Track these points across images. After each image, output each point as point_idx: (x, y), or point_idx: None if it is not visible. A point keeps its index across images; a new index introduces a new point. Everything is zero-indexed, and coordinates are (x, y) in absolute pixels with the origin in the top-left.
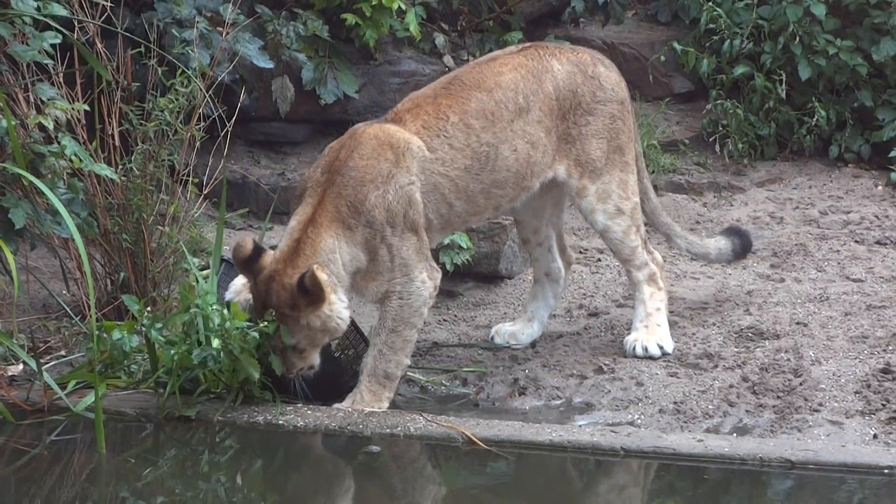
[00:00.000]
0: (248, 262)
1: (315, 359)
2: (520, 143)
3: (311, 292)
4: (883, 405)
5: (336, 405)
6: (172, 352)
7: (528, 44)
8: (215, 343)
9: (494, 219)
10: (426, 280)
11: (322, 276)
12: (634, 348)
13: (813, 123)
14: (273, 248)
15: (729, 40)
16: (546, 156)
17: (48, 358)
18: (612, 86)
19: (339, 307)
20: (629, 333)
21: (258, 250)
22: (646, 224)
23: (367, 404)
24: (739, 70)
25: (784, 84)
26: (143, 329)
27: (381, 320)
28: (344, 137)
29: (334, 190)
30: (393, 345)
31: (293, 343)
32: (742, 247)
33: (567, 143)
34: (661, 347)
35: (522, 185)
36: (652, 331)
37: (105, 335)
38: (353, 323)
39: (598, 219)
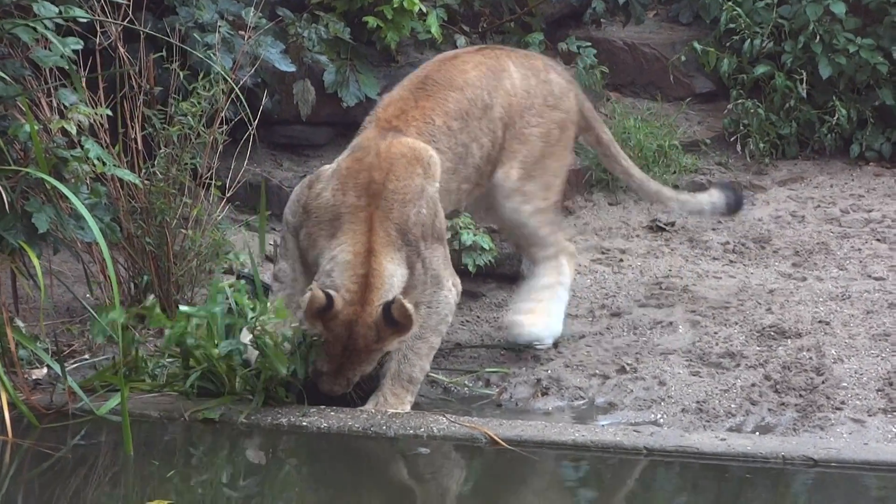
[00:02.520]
0: (323, 312)
1: None
2: (485, 140)
3: (400, 323)
4: None
5: (360, 407)
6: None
7: (482, 45)
8: (245, 337)
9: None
10: (452, 288)
11: (409, 306)
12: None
13: (834, 122)
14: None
15: (749, 40)
16: (500, 153)
17: (72, 362)
18: (562, 93)
19: None
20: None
21: (330, 299)
22: (636, 198)
23: (390, 406)
24: (760, 69)
25: (805, 83)
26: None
27: None
28: (366, 156)
29: (380, 214)
30: (419, 351)
31: (370, 370)
32: (735, 200)
33: (519, 142)
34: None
35: (480, 182)
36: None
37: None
38: None
39: (516, 216)
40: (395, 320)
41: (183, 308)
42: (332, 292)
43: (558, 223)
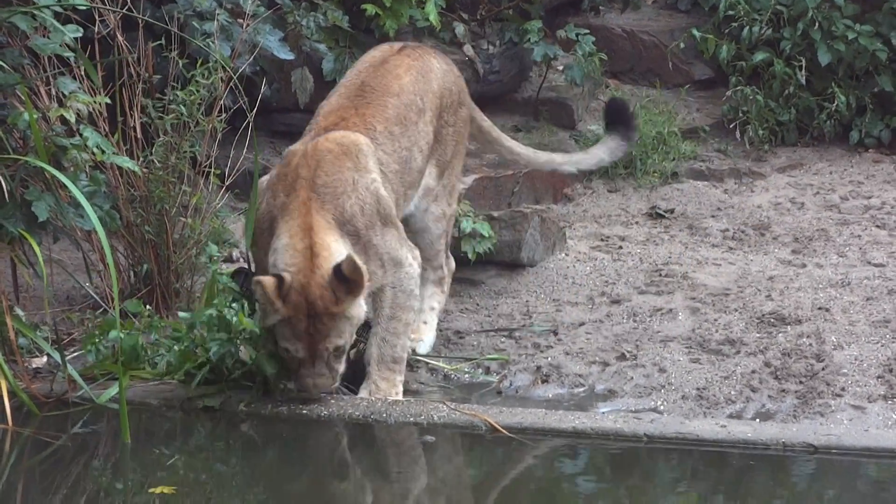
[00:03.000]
0: (278, 290)
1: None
2: (423, 144)
3: (350, 279)
4: None
5: (358, 395)
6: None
7: (400, 43)
8: (247, 353)
9: None
10: (413, 262)
11: (360, 262)
12: None
13: (833, 109)
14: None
15: (748, 27)
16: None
17: (72, 350)
18: (463, 87)
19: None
20: None
21: (279, 277)
22: (532, 173)
23: (384, 392)
24: (759, 56)
25: (804, 70)
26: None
27: (378, 310)
28: (293, 158)
29: (316, 204)
30: (395, 330)
31: (343, 344)
32: (627, 130)
33: (437, 142)
34: (413, 350)
35: (419, 183)
36: (416, 328)
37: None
38: None
39: (425, 218)
40: (346, 277)
41: (183, 314)
42: (278, 273)
43: (448, 243)
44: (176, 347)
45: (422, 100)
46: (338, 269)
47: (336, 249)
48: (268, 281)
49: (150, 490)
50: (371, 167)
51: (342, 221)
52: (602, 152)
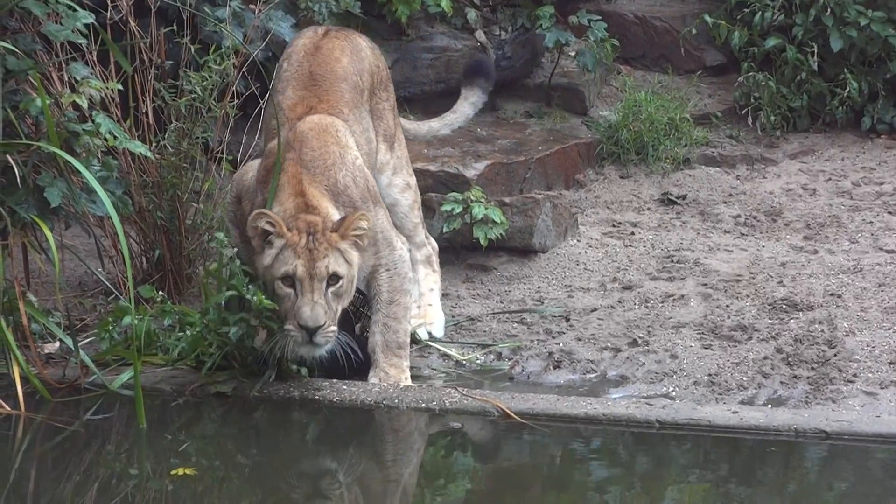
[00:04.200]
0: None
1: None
2: (372, 122)
3: (348, 219)
4: None
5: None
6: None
7: (321, 27)
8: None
9: None
10: (402, 246)
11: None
12: None
13: (845, 95)
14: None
15: (760, 12)
16: None
17: (84, 336)
18: (385, 62)
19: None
20: None
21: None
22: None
23: (395, 379)
24: (771, 42)
25: (816, 56)
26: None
27: (377, 295)
28: (275, 149)
29: (307, 177)
30: (396, 315)
31: (342, 275)
32: (485, 82)
33: (377, 119)
34: (429, 333)
35: (377, 162)
36: (423, 313)
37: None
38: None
39: (391, 192)
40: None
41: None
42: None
43: (422, 217)
44: (188, 332)
45: (361, 79)
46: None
47: (331, 210)
48: (262, 211)
49: (172, 472)
50: (352, 144)
51: (336, 192)
52: (467, 108)
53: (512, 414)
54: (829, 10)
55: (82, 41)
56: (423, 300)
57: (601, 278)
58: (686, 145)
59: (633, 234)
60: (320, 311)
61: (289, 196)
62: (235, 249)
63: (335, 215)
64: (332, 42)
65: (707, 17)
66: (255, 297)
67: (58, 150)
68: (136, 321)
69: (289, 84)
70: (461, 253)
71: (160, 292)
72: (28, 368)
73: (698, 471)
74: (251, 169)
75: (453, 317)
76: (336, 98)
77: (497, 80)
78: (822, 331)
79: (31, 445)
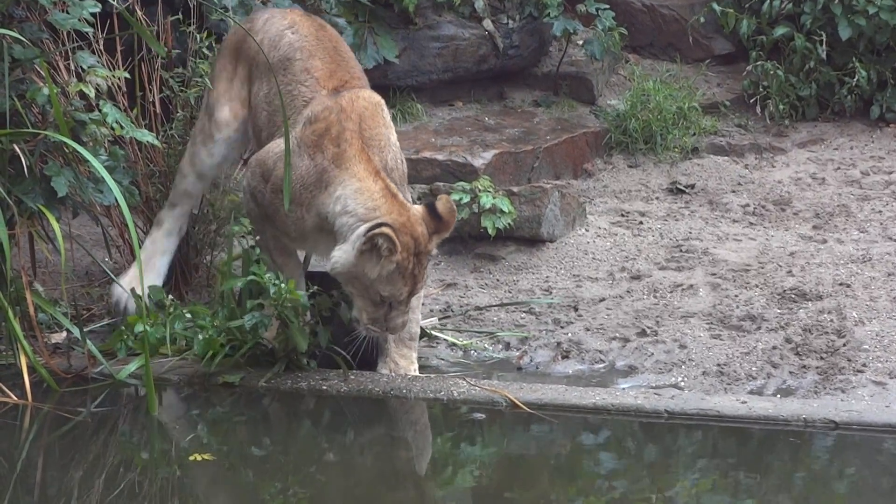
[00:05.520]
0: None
1: None
2: None
3: (443, 218)
4: None
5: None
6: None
7: (294, 9)
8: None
9: None
10: None
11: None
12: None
13: (854, 84)
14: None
15: (768, 1)
16: None
17: (91, 326)
18: None
19: None
20: None
21: (389, 225)
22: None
23: (404, 369)
24: (779, 31)
25: (824, 44)
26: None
27: None
28: (329, 114)
29: (370, 153)
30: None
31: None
32: None
33: None
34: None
35: None
36: None
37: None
38: None
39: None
40: (439, 215)
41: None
42: (382, 225)
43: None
44: (200, 336)
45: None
46: (432, 206)
47: (409, 203)
48: (388, 230)
49: (190, 458)
50: (391, 125)
51: (388, 170)
52: None
53: (520, 404)
54: None
55: (89, 30)
56: None
57: (609, 268)
58: (694, 134)
59: (641, 223)
60: (405, 320)
61: (366, 174)
62: (258, 237)
63: (414, 209)
64: (302, 19)
65: (715, 6)
66: (275, 287)
67: (66, 139)
68: (148, 328)
69: (313, 54)
70: (469, 242)
71: (170, 296)
72: (35, 358)
73: (707, 461)
74: (276, 146)
75: (461, 307)
76: (362, 77)
77: (505, 68)
78: (832, 320)
79: (37, 435)
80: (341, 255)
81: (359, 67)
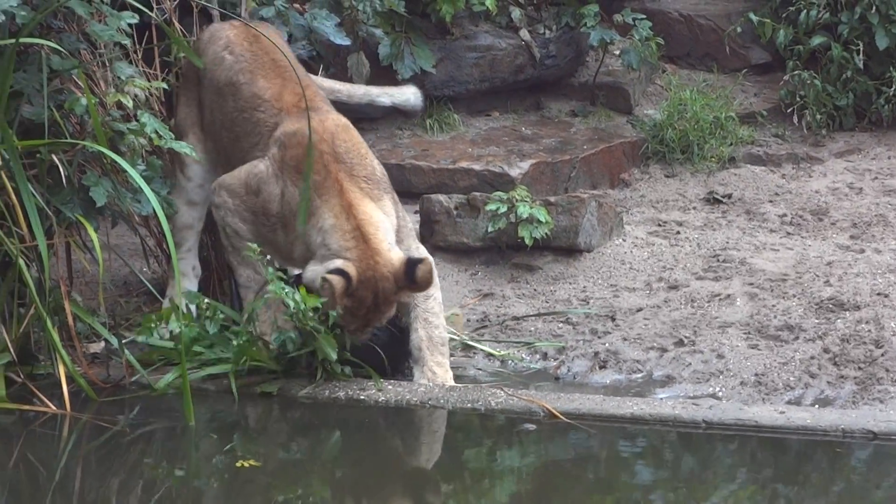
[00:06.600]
0: (346, 291)
1: None
2: None
3: (420, 284)
4: None
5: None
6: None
7: (227, 23)
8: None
9: None
10: (421, 244)
11: (435, 271)
12: None
13: (891, 93)
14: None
15: (805, 11)
16: None
17: (129, 335)
18: None
19: None
20: None
21: (346, 276)
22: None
23: (441, 379)
24: (816, 40)
25: (861, 54)
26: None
27: None
28: (303, 139)
29: (344, 175)
30: (434, 310)
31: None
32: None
33: None
34: None
35: None
36: None
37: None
38: None
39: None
40: (416, 280)
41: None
42: (342, 268)
43: None
44: (235, 342)
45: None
46: (411, 268)
47: (381, 220)
48: (336, 280)
49: (237, 464)
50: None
51: (373, 181)
52: (411, 92)
53: (558, 414)
54: (874, 7)
55: (126, 41)
56: None
57: (647, 278)
58: (731, 144)
59: (678, 233)
60: (363, 338)
61: (340, 210)
62: (268, 257)
63: (386, 228)
64: (240, 30)
65: (752, 16)
66: (293, 301)
67: (104, 149)
68: (182, 327)
69: (255, 74)
70: (506, 252)
71: (206, 299)
72: (73, 368)
73: (745, 471)
74: (254, 167)
75: (498, 317)
76: (311, 84)
77: (541, 78)
78: (869, 330)
79: (76, 445)
80: (310, 274)
81: (303, 70)
